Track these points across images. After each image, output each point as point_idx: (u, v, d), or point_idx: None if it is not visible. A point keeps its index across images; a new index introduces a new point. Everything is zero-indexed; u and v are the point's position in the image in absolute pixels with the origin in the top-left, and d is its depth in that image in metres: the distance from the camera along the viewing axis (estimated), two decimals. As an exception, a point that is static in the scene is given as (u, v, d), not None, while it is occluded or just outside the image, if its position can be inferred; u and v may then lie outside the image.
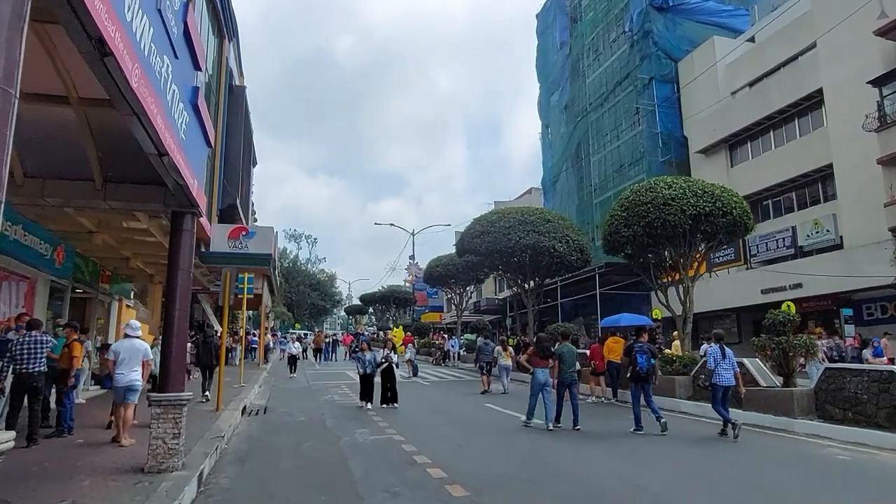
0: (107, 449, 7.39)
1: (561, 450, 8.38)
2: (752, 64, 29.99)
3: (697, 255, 13.80)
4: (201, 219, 19.79)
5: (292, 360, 22.39)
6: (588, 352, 14.91)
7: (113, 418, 8.01)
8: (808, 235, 23.97)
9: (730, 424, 9.00)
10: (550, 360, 10.41)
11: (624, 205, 13.86)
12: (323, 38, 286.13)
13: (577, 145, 42.52)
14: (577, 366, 10.79)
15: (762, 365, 11.08)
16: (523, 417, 10.50)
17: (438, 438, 9.16)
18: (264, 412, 12.21)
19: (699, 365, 12.12)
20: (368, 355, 13.16)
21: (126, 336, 8.21)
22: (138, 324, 8.74)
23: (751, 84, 30.27)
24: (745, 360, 11.09)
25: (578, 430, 9.85)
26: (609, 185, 38.81)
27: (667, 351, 14.12)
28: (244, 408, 12.43)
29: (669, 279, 14.49)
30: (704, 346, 13.68)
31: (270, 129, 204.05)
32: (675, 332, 15.61)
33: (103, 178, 6.49)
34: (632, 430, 9.58)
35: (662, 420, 9.50)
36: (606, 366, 14.06)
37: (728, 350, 9.52)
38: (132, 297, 17.17)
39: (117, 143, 6.19)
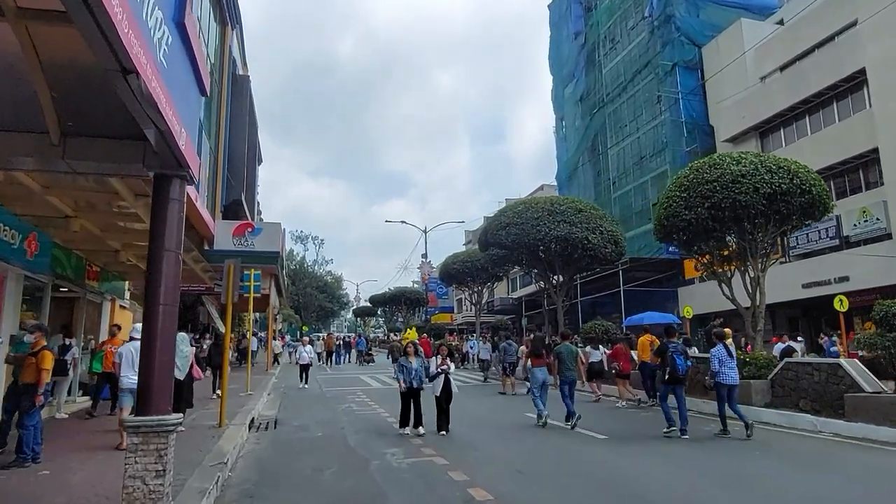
0: (77, 484, 5.82)
1: (636, 469, 6.79)
2: (784, 46, 28.28)
3: (768, 240, 12.09)
4: (205, 214, 18.42)
5: (304, 369, 18.81)
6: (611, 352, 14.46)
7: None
8: (855, 225, 22.25)
9: (742, 424, 8.85)
10: (546, 359, 11.12)
11: (683, 184, 12.16)
12: (325, 41, 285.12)
13: (594, 138, 41.07)
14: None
15: (862, 367, 9.42)
16: (560, 424, 10.27)
17: (489, 461, 7.52)
18: (274, 426, 10.64)
19: (779, 366, 10.44)
20: (416, 363, 9.71)
21: (131, 339, 8.20)
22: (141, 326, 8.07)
23: (782, 68, 28.58)
24: (843, 362, 9.45)
25: (575, 427, 10.04)
26: (629, 179, 37.31)
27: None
28: (252, 421, 10.86)
29: (730, 268, 12.81)
30: (778, 346, 12.00)
31: (274, 131, 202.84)
32: (727, 330, 13.94)
33: (61, 129, 4.91)
34: (664, 431, 9.14)
35: (686, 427, 9.11)
36: (640, 367, 13.37)
37: (732, 350, 9.42)
38: (128, 297, 15.63)
39: (80, 81, 4.64)
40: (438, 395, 9.68)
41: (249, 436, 9.44)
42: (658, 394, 9.64)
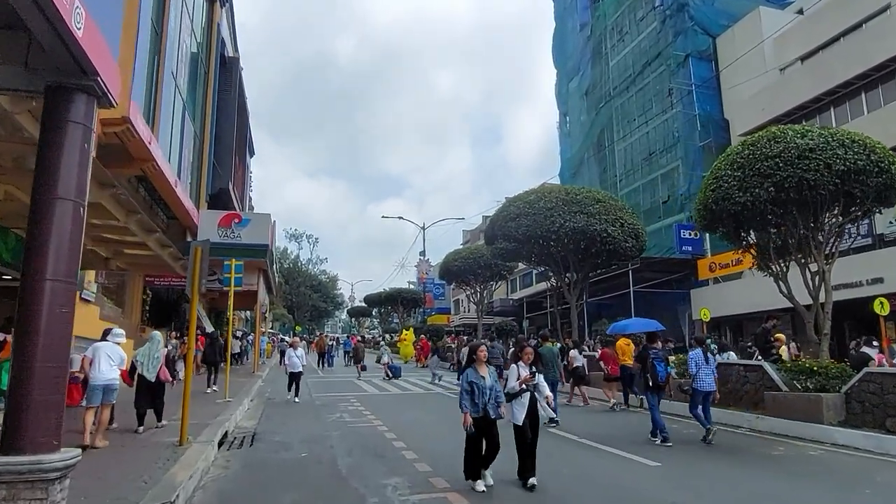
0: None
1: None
2: (806, 35, 26.80)
3: (835, 228, 10.42)
4: (187, 202, 16.63)
5: (294, 378, 14.69)
6: (598, 354, 14.30)
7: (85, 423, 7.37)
8: (891, 222, 20.67)
9: (706, 429, 8.83)
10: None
11: (736, 162, 10.43)
12: (326, 42, 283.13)
13: (600, 133, 39.62)
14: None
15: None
16: (594, 444, 9.07)
17: (521, 500, 5.84)
18: (251, 442, 8.91)
19: (856, 377, 8.78)
20: (490, 377, 6.20)
21: (104, 337, 8.18)
22: (122, 332, 8.61)
23: (804, 58, 27.09)
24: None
25: (557, 423, 10.15)
26: (637, 175, 35.93)
27: (784, 355, 10.80)
28: (225, 434, 9.15)
29: (786, 262, 11.14)
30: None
31: (272, 131, 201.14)
32: (779, 335, 12.35)
33: None
34: (656, 440, 8.84)
35: (667, 434, 8.82)
36: (620, 370, 13.53)
37: (710, 356, 9.36)
38: (95, 289, 13.90)
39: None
40: (521, 423, 6.18)
41: (218, 456, 7.73)
42: (649, 403, 9.40)
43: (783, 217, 10.09)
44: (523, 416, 6.19)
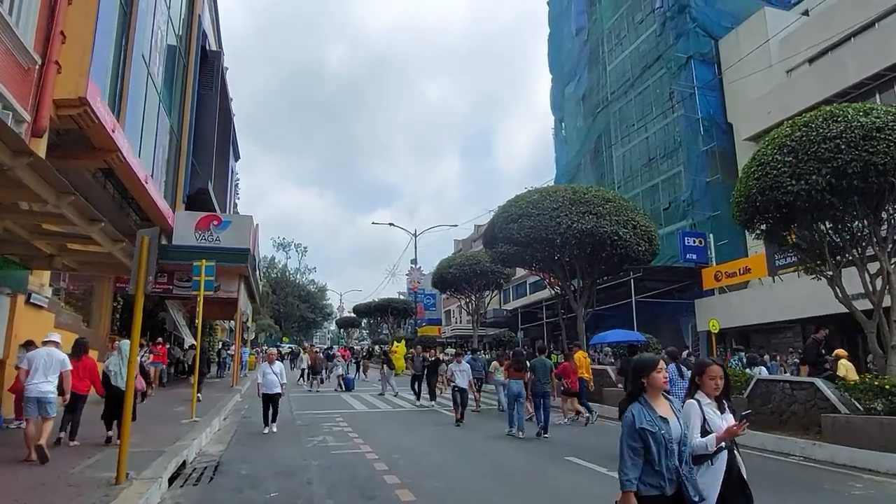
0: None
1: None
2: (815, 35, 25.87)
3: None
4: (160, 202, 14.91)
5: (270, 402, 11.23)
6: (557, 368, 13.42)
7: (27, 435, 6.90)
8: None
9: None
10: (527, 373, 11.35)
11: (787, 145, 9.02)
12: (315, 50, 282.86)
13: (598, 139, 38.57)
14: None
15: None
16: (613, 473, 7.86)
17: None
18: (213, 474, 7.36)
19: None
20: (675, 417, 3.22)
21: (44, 343, 7.76)
22: (57, 332, 8.26)
23: (812, 59, 26.18)
24: None
25: (547, 437, 10.33)
26: (636, 182, 34.88)
27: (847, 374, 9.41)
28: (183, 465, 7.61)
29: (835, 261, 9.78)
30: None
31: (261, 141, 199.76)
32: (839, 350, 11.03)
33: None
34: None
35: None
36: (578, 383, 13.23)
37: (685, 370, 8.58)
38: (50, 293, 12.29)
39: None
40: None
41: (167, 497, 6.19)
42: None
43: (843, 209, 8.76)
44: (716, 495, 3.33)
